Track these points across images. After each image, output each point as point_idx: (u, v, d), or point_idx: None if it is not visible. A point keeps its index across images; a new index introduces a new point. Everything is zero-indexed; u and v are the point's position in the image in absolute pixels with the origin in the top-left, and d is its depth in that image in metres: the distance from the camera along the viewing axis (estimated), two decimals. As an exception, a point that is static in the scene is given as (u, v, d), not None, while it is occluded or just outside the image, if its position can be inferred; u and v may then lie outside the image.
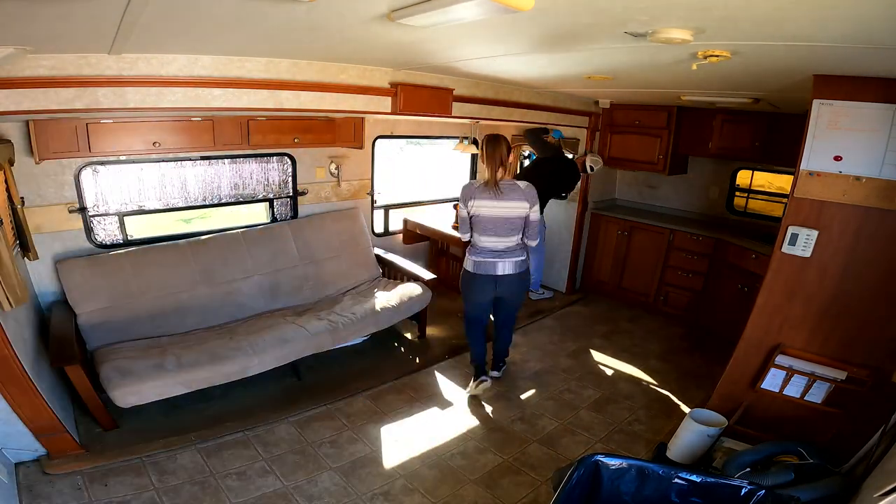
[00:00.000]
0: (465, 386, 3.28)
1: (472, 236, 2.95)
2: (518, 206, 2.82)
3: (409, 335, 3.95)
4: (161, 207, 3.29)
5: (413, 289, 3.65)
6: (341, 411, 2.94)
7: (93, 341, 2.76)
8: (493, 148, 2.79)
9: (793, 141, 2.47)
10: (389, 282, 3.88)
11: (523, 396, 3.22)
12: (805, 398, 2.49)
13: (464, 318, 3.26)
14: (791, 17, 1.34)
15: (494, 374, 3.36)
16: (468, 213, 2.88)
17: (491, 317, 3.28)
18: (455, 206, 4.28)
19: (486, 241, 2.88)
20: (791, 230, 2.42)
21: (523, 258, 2.97)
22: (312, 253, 3.73)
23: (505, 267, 2.91)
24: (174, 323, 3.04)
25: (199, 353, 2.70)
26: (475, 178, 5.43)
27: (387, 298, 3.52)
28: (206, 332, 3.07)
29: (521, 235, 2.91)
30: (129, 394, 2.40)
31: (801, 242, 2.40)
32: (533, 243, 2.98)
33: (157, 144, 2.74)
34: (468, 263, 2.99)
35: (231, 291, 3.30)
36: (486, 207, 2.81)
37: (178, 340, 2.90)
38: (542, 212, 4.34)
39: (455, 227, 4.21)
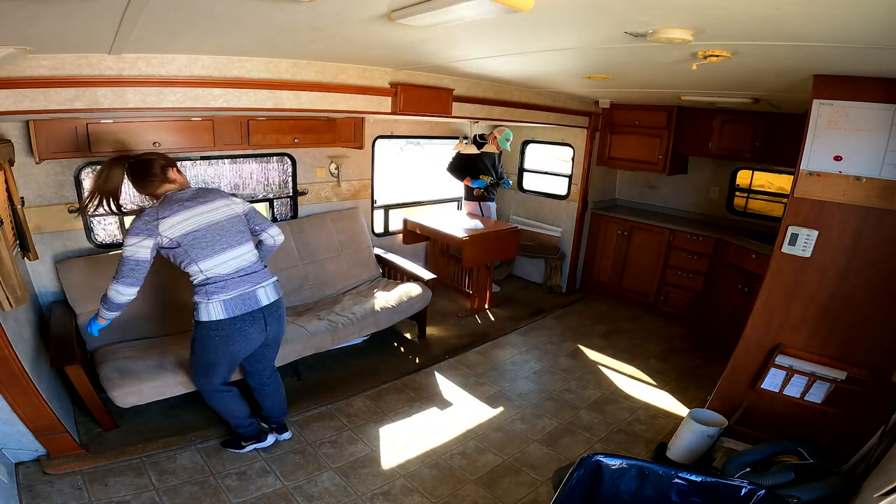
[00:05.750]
0: (464, 385, 3.28)
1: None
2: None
3: (408, 335, 3.94)
4: (161, 207, 3.29)
5: (413, 289, 3.65)
6: (341, 411, 2.94)
7: (92, 341, 2.75)
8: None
9: (793, 141, 2.47)
10: (389, 282, 3.88)
11: (523, 396, 3.23)
12: (805, 398, 2.49)
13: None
14: (791, 17, 1.34)
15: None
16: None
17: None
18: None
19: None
20: (791, 230, 2.42)
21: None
22: (312, 253, 3.73)
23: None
24: (174, 323, 3.03)
25: (199, 353, 2.70)
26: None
27: (387, 298, 3.52)
28: (206, 332, 3.06)
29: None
30: (129, 394, 2.39)
31: (801, 242, 2.40)
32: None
33: (157, 144, 2.74)
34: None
35: (231, 291, 3.29)
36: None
37: (179, 340, 2.90)
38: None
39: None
